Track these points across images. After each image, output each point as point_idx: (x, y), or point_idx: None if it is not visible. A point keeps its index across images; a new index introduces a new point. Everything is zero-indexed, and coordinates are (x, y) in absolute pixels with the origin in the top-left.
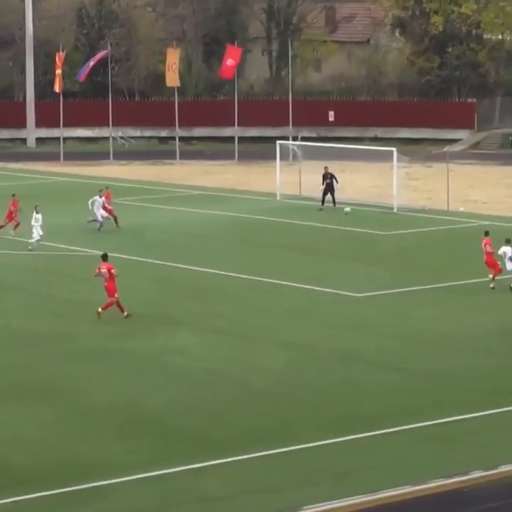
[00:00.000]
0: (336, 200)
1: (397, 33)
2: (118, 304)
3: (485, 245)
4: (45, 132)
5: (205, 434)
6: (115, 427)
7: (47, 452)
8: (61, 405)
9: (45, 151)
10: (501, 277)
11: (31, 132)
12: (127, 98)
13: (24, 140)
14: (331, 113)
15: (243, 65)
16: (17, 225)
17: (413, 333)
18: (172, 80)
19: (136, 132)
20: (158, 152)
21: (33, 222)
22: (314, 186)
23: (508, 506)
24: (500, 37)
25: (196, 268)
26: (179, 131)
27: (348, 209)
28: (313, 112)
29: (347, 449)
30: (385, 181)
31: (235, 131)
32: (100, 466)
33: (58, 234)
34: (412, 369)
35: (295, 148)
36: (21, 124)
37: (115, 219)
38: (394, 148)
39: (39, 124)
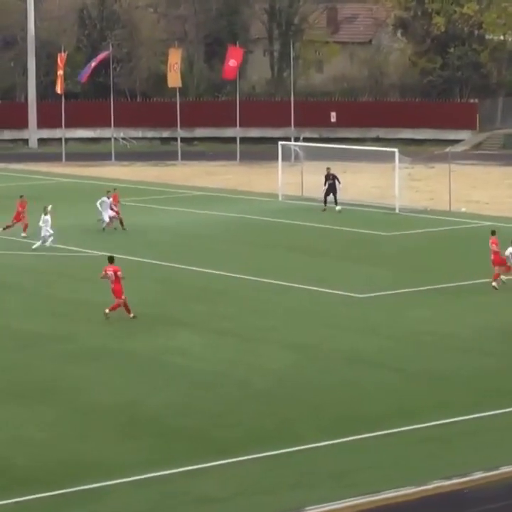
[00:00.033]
0: (338, 201)
1: (399, 34)
2: (125, 305)
3: (492, 244)
4: (46, 133)
5: (206, 434)
6: (115, 427)
7: (47, 452)
8: (61, 405)
9: (47, 152)
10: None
11: (33, 133)
12: (129, 99)
13: (26, 141)
14: (333, 114)
15: (245, 66)
16: (26, 226)
17: (414, 334)
18: (174, 80)
19: (138, 133)
20: (160, 153)
21: (40, 223)
22: (316, 187)
23: (509, 507)
24: (502, 37)
25: (198, 269)
26: (181, 132)
27: (338, 208)
28: (315, 113)
29: (346, 450)
30: (387, 182)
31: (236, 131)
32: (100, 466)
33: (59, 234)
34: (413, 370)
35: (297, 149)
36: (23, 124)
37: (121, 221)
38: (396, 149)
39: (41, 124)
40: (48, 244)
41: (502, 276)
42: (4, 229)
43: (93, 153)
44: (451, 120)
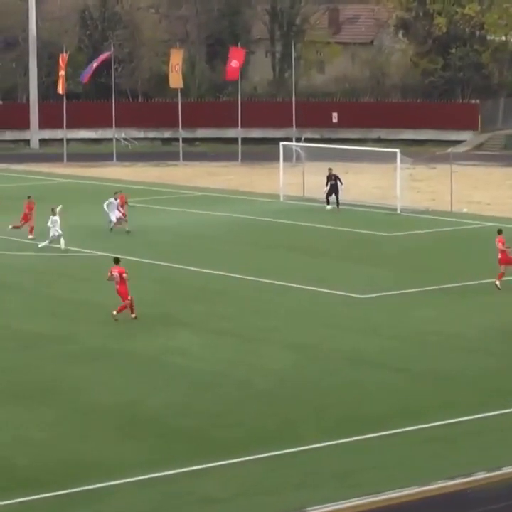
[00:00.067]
0: (340, 202)
1: (400, 35)
2: (130, 305)
3: (498, 243)
4: (48, 133)
5: (207, 434)
6: (116, 428)
7: (48, 453)
8: (61, 406)
9: (49, 153)
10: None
11: (34, 133)
12: (130, 99)
13: (27, 141)
14: (335, 114)
15: (246, 67)
16: (32, 229)
17: (416, 335)
18: (175, 81)
19: (140, 133)
20: (162, 153)
21: (49, 224)
22: (317, 187)
23: (511, 508)
24: (503, 38)
25: (199, 269)
26: (182, 133)
27: (329, 207)
28: (317, 114)
29: (349, 450)
30: (389, 182)
31: (238, 132)
32: (101, 466)
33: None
34: (415, 370)
35: (298, 149)
36: (25, 125)
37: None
38: (397, 150)
39: (42, 125)
40: (63, 247)
41: (496, 282)
42: (13, 228)
43: (95, 153)
44: (453, 121)
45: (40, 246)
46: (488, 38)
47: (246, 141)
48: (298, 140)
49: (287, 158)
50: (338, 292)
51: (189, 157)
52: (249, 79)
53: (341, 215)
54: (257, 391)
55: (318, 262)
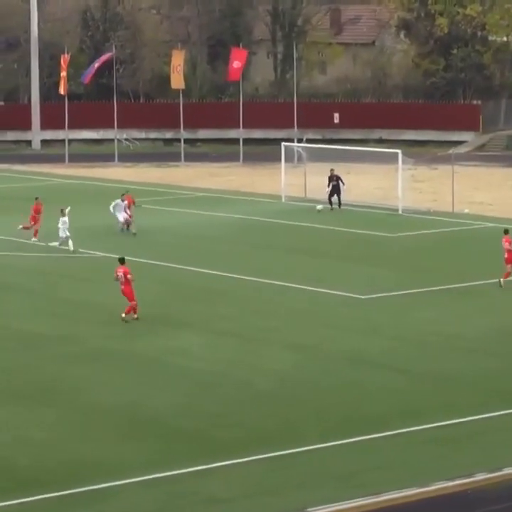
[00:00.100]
0: (342, 202)
1: (402, 35)
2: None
3: (505, 243)
4: (50, 134)
5: (208, 435)
6: (117, 428)
7: (48, 453)
8: (62, 406)
9: (50, 153)
10: None
11: (36, 134)
12: (132, 100)
13: (29, 142)
14: (336, 115)
15: (248, 68)
16: (36, 232)
17: (417, 335)
18: (177, 82)
19: (141, 134)
20: (163, 154)
21: (59, 225)
22: (319, 188)
23: None
24: (505, 39)
25: (200, 269)
26: (184, 133)
27: (320, 206)
28: (318, 114)
29: (350, 451)
30: (390, 183)
31: (239, 133)
32: (102, 467)
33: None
34: (416, 371)
35: (300, 150)
36: (26, 126)
37: (128, 224)
38: (399, 150)
39: (44, 126)
40: (71, 249)
41: (501, 280)
42: (23, 228)
43: (96, 154)
44: (455, 121)
45: (50, 244)
46: (490, 38)
47: (247, 141)
48: (299, 141)
49: (289, 158)
50: (339, 293)
51: (191, 158)
52: (251, 80)
53: (343, 216)
54: (258, 391)
55: (319, 262)
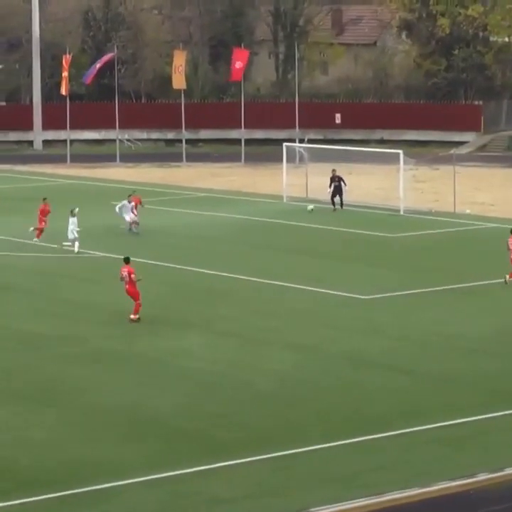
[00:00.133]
0: (344, 203)
1: (403, 36)
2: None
3: (510, 243)
4: (51, 134)
5: (210, 436)
6: (117, 428)
7: (50, 454)
8: (63, 406)
9: (52, 154)
10: None
11: (38, 135)
12: (134, 100)
13: (31, 142)
14: (338, 115)
15: (250, 68)
16: (40, 233)
17: (420, 335)
18: (178, 82)
19: (143, 135)
20: (165, 154)
21: (70, 226)
22: (321, 188)
23: None
24: (506, 39)
25: (202, 270)
26: (186, 134)
27: (311, 206)
28: (320, 115)
29: (353, 451)
30: (392, 183)
31: (241, 133)
32: (104, 468)
33: (63, 236)
34: (419, 371)
35: (301, 150)
36: (28, 126)
37: (130, 224)
38: (400, 151)
39: (46, 126)
40: (76, 250)
41: (507, 276)
42: (34, 230)
43: (98, 154)
44: (456, 122)
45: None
46: (492, 39)
47: (249, 142)
48: (301, 141)
49: (290, 159)
50: (340, 293)
51: (192, 158)
52: (253, 80)
53: (344, 216)
54: (259, 392)
55: (321, 263)
